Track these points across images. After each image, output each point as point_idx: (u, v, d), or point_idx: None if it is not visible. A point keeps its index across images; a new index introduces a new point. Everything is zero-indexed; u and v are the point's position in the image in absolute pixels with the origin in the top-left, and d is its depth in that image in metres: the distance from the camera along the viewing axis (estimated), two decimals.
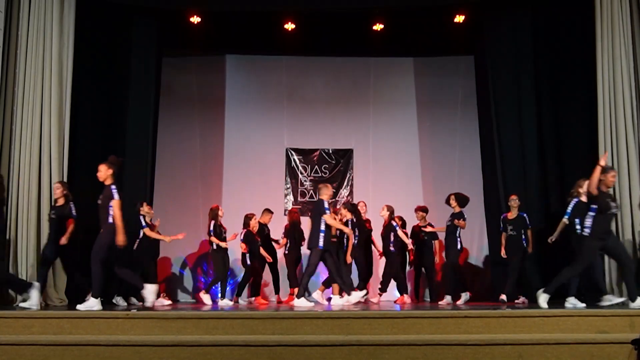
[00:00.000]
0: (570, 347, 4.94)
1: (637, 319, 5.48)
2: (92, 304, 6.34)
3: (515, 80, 8.85)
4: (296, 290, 7.93)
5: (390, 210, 8.88)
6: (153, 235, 8.33)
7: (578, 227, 6.89)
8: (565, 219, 7.19)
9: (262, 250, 8.88)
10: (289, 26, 9.60)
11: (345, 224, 8.42)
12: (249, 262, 8.79)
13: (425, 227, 9.12)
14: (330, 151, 10.78)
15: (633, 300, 6.38)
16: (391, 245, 8.79)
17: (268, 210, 9.37)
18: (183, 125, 10.50)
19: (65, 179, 7.66)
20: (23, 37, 7.72)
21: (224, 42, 10.49)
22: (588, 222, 6.43)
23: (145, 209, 8.40)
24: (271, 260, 9.09)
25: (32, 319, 5.60)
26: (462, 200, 8.49)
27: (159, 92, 9.46)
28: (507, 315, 5.63)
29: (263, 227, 9.16)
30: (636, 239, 7.32)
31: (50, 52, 7.75)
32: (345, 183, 10.73)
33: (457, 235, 8.42)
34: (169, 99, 10.21)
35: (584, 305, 6.65)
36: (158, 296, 7.45)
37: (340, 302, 7.83)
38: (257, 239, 8.87)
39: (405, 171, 10.58)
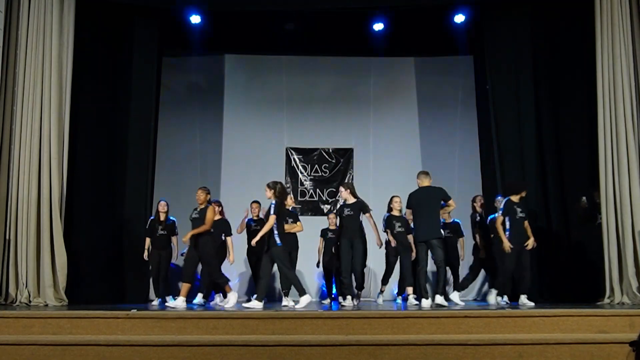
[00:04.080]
0: (570, 347, 4.94)
1: (637, 319, 5.49)
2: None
3: (514, 80, 8.83)
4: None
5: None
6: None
7: None
8: None
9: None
10: (289, 26, 9.60)
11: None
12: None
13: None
14: (331, 150, 10.78)
15: None
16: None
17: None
18: (183, 125, 10.50)
19: (65, 179, 7.66)
20: (23, 37, 7.71)
21: (224, 42, 10.48)
22: None
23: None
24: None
25: (32, 319, 5.60)
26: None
27: (159, 92, 9.46)
28: (507, 315, 5.63)
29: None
30: (636, 238, 7.31)
31: (50, 52, 7.74)
32: None
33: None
34: (169, 99, 10.21)
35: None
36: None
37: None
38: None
39: (405, 170, 10.52)
